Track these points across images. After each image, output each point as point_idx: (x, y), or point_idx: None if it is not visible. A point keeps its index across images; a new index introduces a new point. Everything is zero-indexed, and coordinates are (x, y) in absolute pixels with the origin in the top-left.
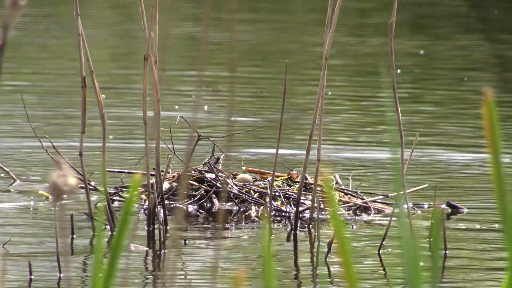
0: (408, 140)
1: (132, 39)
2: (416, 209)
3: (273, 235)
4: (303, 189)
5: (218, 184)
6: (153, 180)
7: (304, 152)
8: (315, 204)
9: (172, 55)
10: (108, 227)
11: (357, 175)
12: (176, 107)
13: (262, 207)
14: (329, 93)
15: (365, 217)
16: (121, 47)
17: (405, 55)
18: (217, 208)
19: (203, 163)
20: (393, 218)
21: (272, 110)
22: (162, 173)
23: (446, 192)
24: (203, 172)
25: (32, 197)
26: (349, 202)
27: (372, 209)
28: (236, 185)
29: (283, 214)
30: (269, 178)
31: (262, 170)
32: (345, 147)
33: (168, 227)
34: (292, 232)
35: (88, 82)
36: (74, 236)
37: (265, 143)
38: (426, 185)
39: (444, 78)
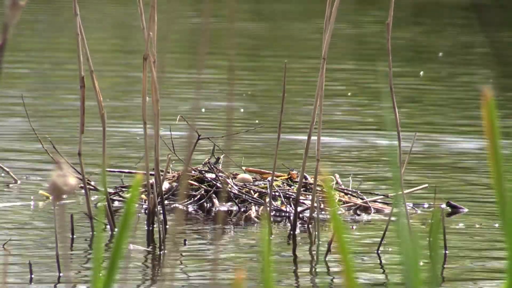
0: (419, 136)
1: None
2: (416, 209)
3: (272, 235)
4: (304, 189)
5: (218, 184)
6: (153, 180)
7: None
8: (315, 204)
9: (172, 49)
10: (108, 227)
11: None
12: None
13: (262, 207)
14: (349, 93)
15: (365, 217)
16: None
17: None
18: (217, 208)
19: (203, 163)
20: (392, 218)
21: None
22: (162, 173)
23: (446, 192)
24: (203, 172)
25: (32, 197)
26: (349, 202)
27: (372, 209)
28: (236, 185)
29: (283, 214)
30: (269, 178)
31: (262, 170)
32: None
33: (167, 227)
34: (291, 232)
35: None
36: (74, 236)
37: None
38: (426, 185)
39: (461, 81)
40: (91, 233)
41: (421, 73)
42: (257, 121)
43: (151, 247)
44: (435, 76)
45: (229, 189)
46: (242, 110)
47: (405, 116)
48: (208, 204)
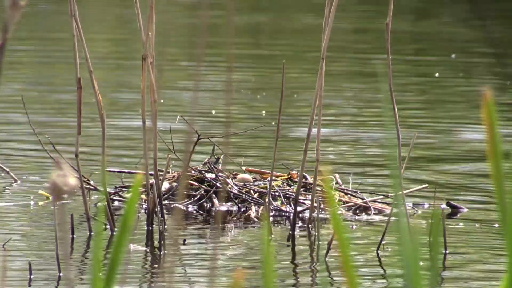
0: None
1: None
2: (416, 209)
3: (272, 235)
4: (304, 189)
5: (218, 184)
6: (152, 180)
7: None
8: (315, 204)
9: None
10: (108, 227)
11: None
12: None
13: (262, 207)
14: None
15: (365, 217)
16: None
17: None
18: (217, 208)
19: (203, 163)
20: (392, 218)
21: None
22: (161, 173)
23: (446, 192)
24: (203, 172)
25: (32, 197)
26: (349, 202)
27: (372, 209)
28: (236, 185)
29: (283, 214)
30: (269, 178)
31: (262, 170)
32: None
33: (167, 227)
34: (291, 232)
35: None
36: (74, 236)
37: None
38: (426, 185)
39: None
40: (90, 233)
41: (437, 74)
42: (273, 123)
43: (151, 247)
44: (450, 76)
45: (229, 189)
46: (263, 112)
47: (411, 114)
48: (208, 204)
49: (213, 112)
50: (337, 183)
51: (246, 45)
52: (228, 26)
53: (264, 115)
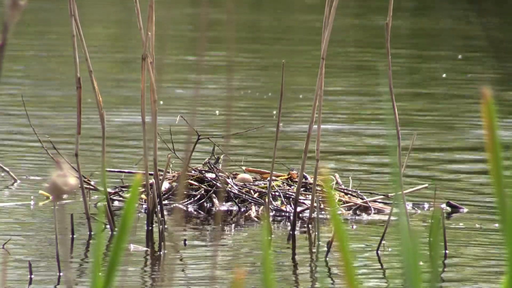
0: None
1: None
2: (416, 209)
3: (273, 235)
4: (304, 189)
5: (218, 184)
6: (152, 180)
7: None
8: (315, 204)
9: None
10: (108, 227)
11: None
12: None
13: (262, 207)
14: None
15: (365, 217)
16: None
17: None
18: (217, 208)
19: (203, 163)
20: (392, 218)
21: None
22: (161, 173)
23: (446, 192)
24: (203, 172)
25: (32, 197)
26: (349, 202)
27: (372, 209)
28: (236, 185)
29: (283, 214)
30: (269, 178)
31: (262, 170)
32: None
33: (167, 227)
34: (291, 232)
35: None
36: (74, 236)
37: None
38: (426, 185)
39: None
40: (90, 233)
41: (444, 75)
42: (281, 124)
43: (151, 247)
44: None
45: (229, 189)
46: (274, 112)
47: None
48: (208, 204)
49: (217, 112)
50: (337, 183)
51: (248, 43)
52: (228, 25)
53: (275, 116)
